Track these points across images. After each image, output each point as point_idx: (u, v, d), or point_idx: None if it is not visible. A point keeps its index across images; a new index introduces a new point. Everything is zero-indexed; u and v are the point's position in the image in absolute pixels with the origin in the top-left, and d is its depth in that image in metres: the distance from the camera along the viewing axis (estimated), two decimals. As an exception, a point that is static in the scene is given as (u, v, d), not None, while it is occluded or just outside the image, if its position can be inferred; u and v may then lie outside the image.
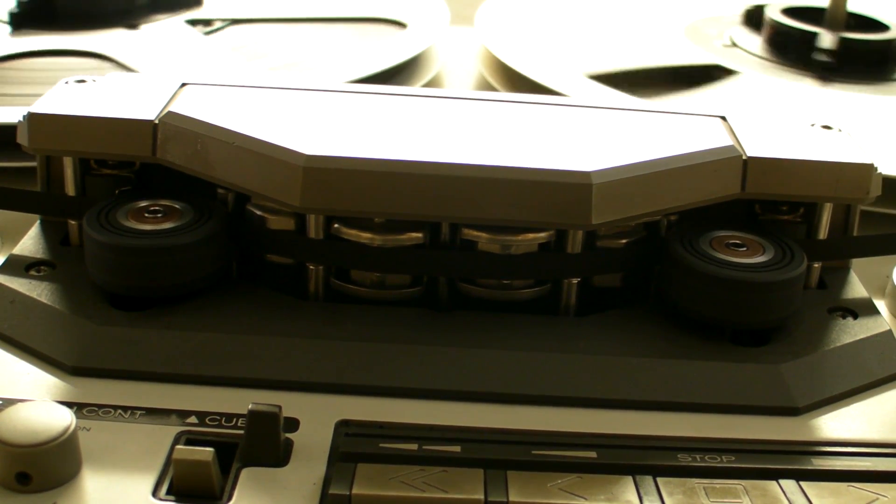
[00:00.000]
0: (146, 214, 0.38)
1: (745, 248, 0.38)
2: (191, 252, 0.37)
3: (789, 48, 0.68)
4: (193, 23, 0.68)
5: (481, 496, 0.30)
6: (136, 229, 0.37)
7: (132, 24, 0.67)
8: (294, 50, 0.64)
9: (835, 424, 0.35)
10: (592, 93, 0.58)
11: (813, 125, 0.43)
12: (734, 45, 0.69)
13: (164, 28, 0.67)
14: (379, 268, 0.38)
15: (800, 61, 0.66)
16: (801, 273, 0.38)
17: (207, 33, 0.67)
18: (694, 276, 0.37)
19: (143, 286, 0.37)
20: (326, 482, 0.31)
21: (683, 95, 0.61)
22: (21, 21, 0.66)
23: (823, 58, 0.65)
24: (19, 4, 0.67)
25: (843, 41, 0.66)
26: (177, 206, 0.38)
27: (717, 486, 0.31)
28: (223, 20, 0.69)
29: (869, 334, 0.39)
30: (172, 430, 0.33)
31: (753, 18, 0.74)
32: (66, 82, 0.42)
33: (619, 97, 0.57)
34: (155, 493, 0.30)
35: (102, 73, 0.44)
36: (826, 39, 0.66)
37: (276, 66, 0.61)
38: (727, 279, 0.37)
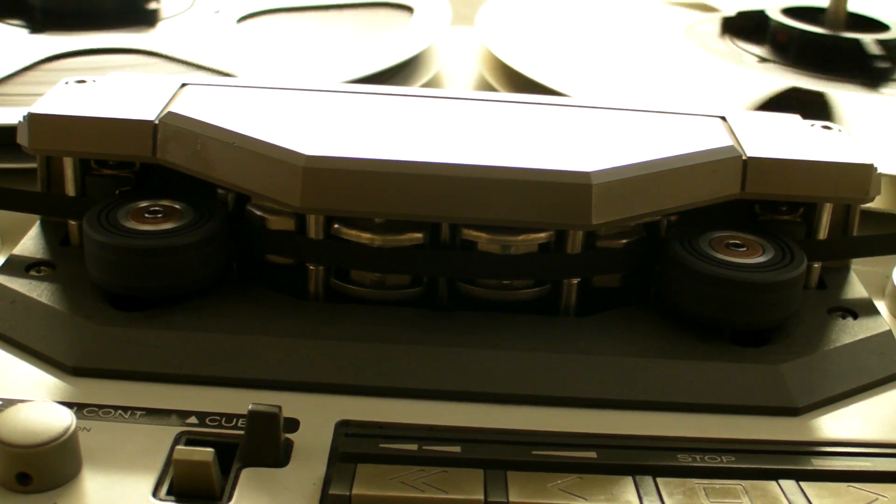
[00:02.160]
0: (146, 215, 0.38)
1: (744, 249, 0.38)
2: (191, 252, 0.37)
3: (830, 55, 0.65)
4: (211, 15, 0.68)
5: (481, 496, 0.30)
6: (137, 230, 0.37)
7: (150, 22, 0.67)
8: (296, 45, 0.64)
9: (834, 424, 0.35)
10: (592, 93, 0.58)
11: (813, 125, 0.43)
12: (763, 60, 0.67)
13: (187, 22, 0.67)
14: (379, 268, 0.38)
15: (853, 69, 0.64)
16: (801, 273, 0.38)
17: (239, 21, 0.67)
18: (693, 277, 0.37)
19: (143, 286, 0.37)
20: (326, 482, 0.31)
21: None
22: (39, 24, 0.65)
23: (881, 64, 0.64)
24: (32, 8, 0.66)
25: (884, 44, 0.65)
26: (177, 207, 0.38)
27: (717, 486, 0.31)
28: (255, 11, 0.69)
29: (869, 334, 0.39)
30: (172, 431, 0.33)
31: (740, 24, 0.72)
32: (67, 82, 0.42)
33: (618, 97, 0.57)
34: (155, 494, 0.30)
35: (152, 69, 0.43)
36: (872, 45, 0.65)
37: (275, 63, 0.61)
38: (727, 279, 0.37)
